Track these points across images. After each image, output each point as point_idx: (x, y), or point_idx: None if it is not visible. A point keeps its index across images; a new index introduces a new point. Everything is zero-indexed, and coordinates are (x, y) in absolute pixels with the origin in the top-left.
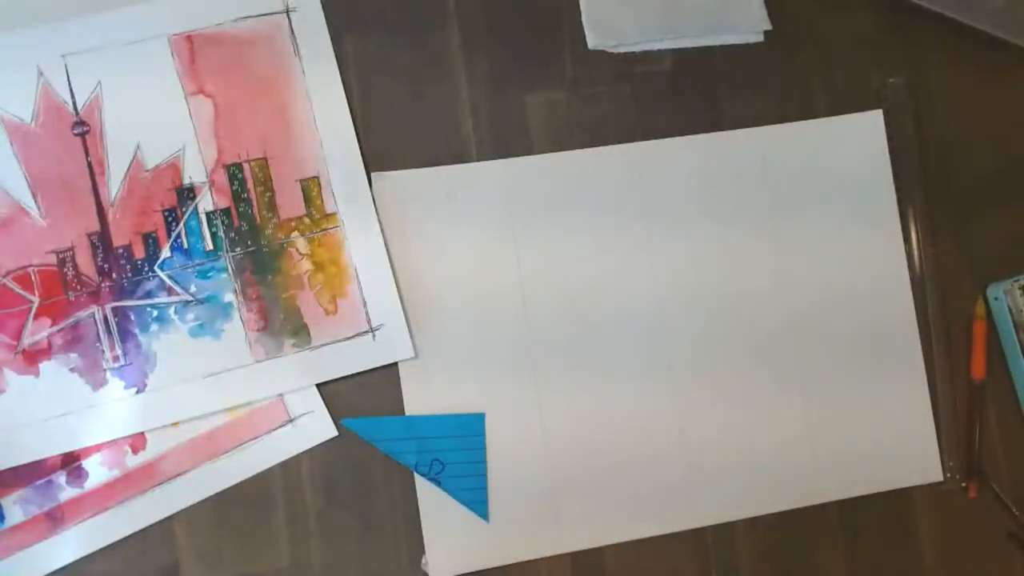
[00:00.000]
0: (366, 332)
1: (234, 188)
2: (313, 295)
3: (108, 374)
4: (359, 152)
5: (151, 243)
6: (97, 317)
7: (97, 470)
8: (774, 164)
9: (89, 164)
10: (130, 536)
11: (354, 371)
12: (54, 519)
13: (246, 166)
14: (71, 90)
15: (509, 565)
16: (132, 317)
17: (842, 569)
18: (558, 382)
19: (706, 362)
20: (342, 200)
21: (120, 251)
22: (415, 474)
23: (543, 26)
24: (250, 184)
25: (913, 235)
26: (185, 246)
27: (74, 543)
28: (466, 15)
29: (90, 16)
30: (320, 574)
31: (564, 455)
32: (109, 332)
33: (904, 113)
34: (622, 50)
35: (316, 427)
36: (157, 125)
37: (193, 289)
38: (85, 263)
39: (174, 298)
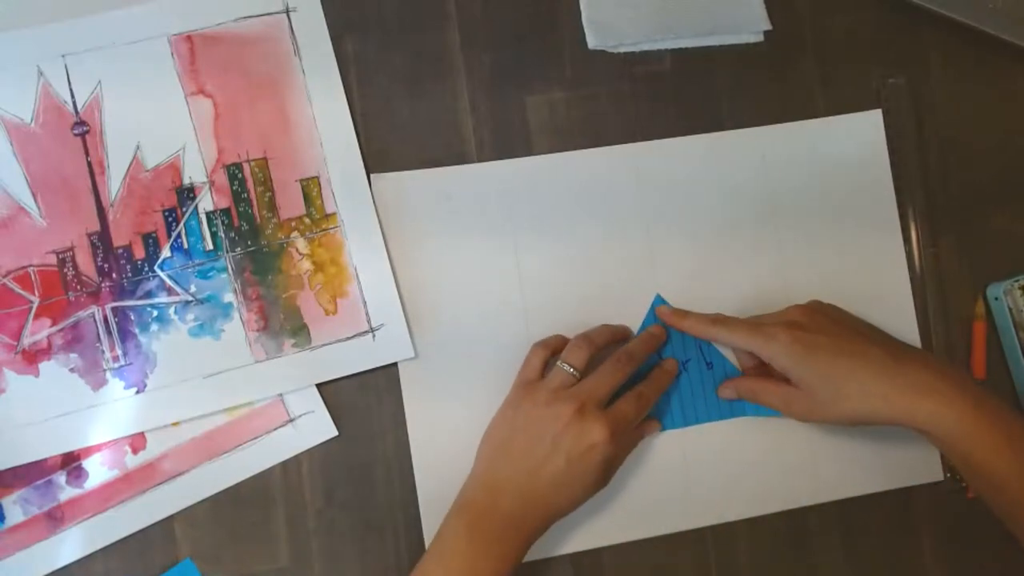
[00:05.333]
0: (366, 332)
1: (234, 188)
2: (313, 295)
3: (108, 374)
4: (359, 152)
5: (151, 243)
6: (97, 317)
7: (97, 470)
8: (774, 164)
9: (89, 164)
10: (130, 536)
11: (354, 371)
12: (54, 519)
13: (246, 166)
14: (71, 90)
15: None
16: (132, 317)
17: (842, 569)
18: None
19: None
20: (342, 200)
21: (120, 251)
22: (415, 474)
23: (543, 26)
24: (250, 184)
25: (913, 235)
26: (185, 246)
27: (74, 543)
28: (466, 15)
29: (90, 16)
30: (320, 574)
31: None
32: (109, 332)
33: (904, 113)
34: (622, 50)
35: (316, 427)
36: (157, 125)
37: (193, 289)
38: (85, 263)
39: (174, 298)
